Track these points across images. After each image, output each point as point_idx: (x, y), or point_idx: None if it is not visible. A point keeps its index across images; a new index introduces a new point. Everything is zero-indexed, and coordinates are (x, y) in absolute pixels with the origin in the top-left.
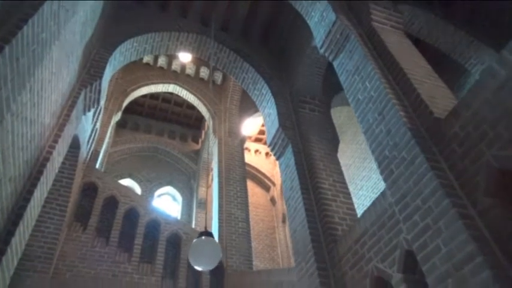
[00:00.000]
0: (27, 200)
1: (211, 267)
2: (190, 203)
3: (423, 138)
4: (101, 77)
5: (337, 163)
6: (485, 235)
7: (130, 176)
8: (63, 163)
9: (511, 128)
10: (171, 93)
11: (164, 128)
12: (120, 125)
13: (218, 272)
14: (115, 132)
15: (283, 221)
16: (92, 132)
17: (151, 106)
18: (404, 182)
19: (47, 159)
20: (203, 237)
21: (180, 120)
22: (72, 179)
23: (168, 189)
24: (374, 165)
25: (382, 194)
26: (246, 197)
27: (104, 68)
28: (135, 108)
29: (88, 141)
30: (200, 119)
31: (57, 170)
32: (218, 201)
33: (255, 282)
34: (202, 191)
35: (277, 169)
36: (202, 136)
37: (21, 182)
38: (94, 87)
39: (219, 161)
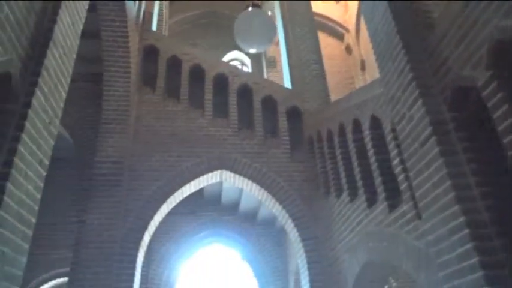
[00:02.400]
0: None
1: (264, 47)
2: (259, 66)
3: None
4: None
5: None
6: None
7: (194, 45)
8: (112, 20)
9: None
10: None
11: None
12: None
13: (295, 116)
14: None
15: (362, 69)
16: None
17: None
18: None
19: None
20: (250, 9)
21: None
22: (127, 37)
23: (236, 54)
24: None
25: None
26: (316, 40)
27: None
28: None
29: None
30: None
31: None
32: (286, 48)
33: (335, 113)
34: (271, 49)
35: (350, 13)
36: None
37: None
38: None
39: (282, 11)
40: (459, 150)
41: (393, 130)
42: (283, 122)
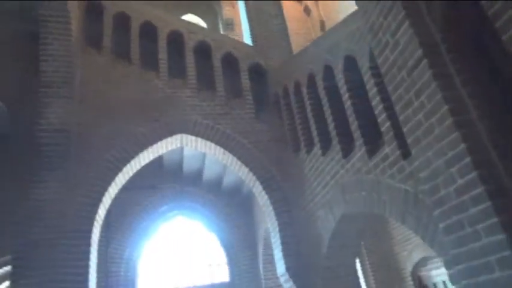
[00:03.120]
0: None
1: None
2: (216, 29)
3: None
4: None
5: None
6: None
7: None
8: None
9: None
10: None
11: None
12: None
13: (258, 74)
14: None
15: (322, 29)
16: None
17: None
18: None
19: None
20: None
21: None
22: None
23: (190, 17)
24: None
25: None
26: None
27: None
28: None
29: None
30: None
31: None
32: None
33: (303, 64)
34: (227, 11)
35: None
36: None
37: None
38: None
39: None
40: (453, 72)
41: (371, 68)
42: (245, 81)
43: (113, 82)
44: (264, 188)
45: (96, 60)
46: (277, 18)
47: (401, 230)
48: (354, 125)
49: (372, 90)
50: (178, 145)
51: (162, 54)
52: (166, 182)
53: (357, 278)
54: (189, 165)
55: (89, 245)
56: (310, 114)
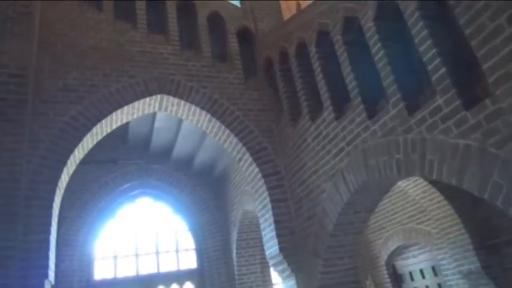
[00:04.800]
0: None
1: None
2: None
3: None
4: None
5: None
6: None
7: None
8: None
9: None
10: None
11: None
12: None
13: (246, 39)
14: None
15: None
16: None
17: None
18: None
19: None
20: None
21: None
22: None
23: None
24: None
25: None
26: None
27: None
28: None
29: None
30: None
31: None
32: None
33: (309, 21)
34: None
35: None
36: None
37: None
38: None
39: None
40: None
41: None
42: (234, 44)
43: (81, 27)
44: (255, 160)
45: (61, 2)
46: None
47: (377, 217)
48: (388, 80)
49: (422, 33)
50: (156, 108)
51: (141, 4)
52: (131, 158)
53: (357, 260)
54: (158, 138)
55: (49, 215)
56: (320, 76)
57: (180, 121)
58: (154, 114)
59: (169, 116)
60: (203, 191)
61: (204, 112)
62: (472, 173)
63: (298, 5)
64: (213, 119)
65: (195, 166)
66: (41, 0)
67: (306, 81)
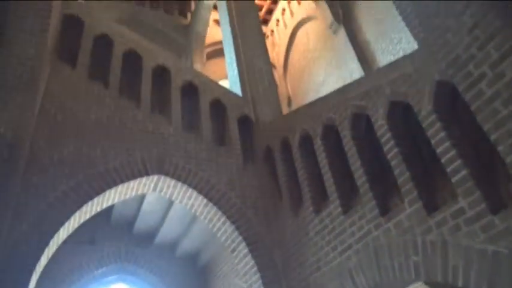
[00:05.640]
0: None
1: None
2: None
3: None
4: None
5: None
6: None
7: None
8: None
9: None
10: None
11: None
12: None
13: (246, 126)
14: None
15: (289, 105)
16: None
17: None
18: None
19: None
20: None
21: None
22: None
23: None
24: None
25: None
26: (266, 50)
27: None
28: None
29: None
30: None
31: None
32: (235, 53)
33: (313, 116)
34: (198, 68)
35: (278, 50)
36: (192, 7)
37: None
38: None
39: (230, 19)
40: None
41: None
42: (234, 130)
43: (83, 100)
44: (251, 251)
45: (68, 75)
46: (267, 75)
47: None
48: (403, 176)
49: (438, 135)
50: (151, 189)
51: (146, 86)
52: (110, 239)
53: None
54: (143, 222)
55: None
56: (325, 168)
57: (170, 205)
58: (143, 197)
59: (158, 200)
60: (186, 280)
61: (200, 196)
62: (503, 280)
63: (289, 99)
64: (210, 204)
65: (178, 253)
66: (49, 73)
67: (310, 172)
